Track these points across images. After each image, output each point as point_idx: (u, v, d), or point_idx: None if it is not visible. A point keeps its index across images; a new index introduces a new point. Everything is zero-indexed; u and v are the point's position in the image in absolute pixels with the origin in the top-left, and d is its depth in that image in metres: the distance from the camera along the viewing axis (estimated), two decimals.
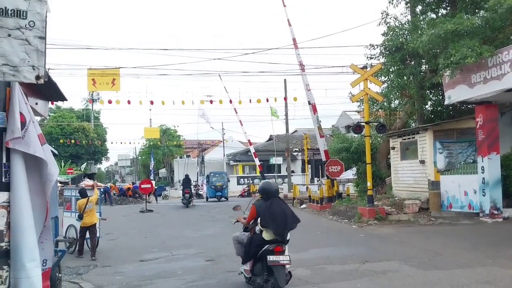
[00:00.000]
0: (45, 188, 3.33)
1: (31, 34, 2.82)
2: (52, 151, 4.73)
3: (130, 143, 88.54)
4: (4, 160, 3.14)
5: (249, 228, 6.93)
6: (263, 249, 6.31)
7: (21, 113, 3.13)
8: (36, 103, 5.84)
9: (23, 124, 3.15)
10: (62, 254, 6.38)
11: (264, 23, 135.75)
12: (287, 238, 6.47)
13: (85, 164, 56.81)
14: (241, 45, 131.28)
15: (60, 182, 25.38)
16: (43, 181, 3.33)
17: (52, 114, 53.80)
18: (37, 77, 2.85)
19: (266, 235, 6.35)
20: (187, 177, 27.58)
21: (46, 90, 5.97)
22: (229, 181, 35.45)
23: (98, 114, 62.24)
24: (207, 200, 32.88)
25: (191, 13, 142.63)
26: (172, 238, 13.57)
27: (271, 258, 6.17)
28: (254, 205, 6.82)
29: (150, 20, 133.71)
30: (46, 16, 2.85)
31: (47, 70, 3.31)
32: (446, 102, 15.33)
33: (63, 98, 6.71)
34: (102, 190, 36.76)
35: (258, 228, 6.56)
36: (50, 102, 8.34)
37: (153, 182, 35.80)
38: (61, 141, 47.41)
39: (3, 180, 3.13)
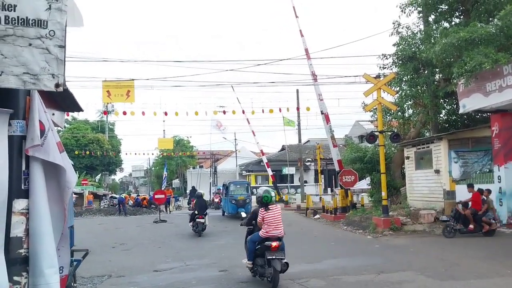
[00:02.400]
0: (64, 196, 3.38)
1: (51, 43, 2.89)
2: None
3: (144, 154, 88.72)
4: (23, 168, 3.19)
5: (193, 210, 17.28)
6: (195, 216, 16.48)
7: (40, 121, 3.19)
8: (53, 114, 5.94)
9: (42, 132, 3.20)
10: (77, 263, 6.39)
11: (263, 24, 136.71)
12: (205, 213, 16.44)
13: (99, 175, 57.36)
14: (240, 45, 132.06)
15: (75, 193, 25.70)
16: (61, 189, 3.37)
17: (68, 125, 54.61)
18: (57, 85, 2.91)
19: (197, 212, 16.45)
20: (193, 188, 36.11)
21: (63, 101, 6.07)
22: (253, 194, 23.64)
23: (112, 126, 62.96)
24: (223, 214, 26.17)
25: (190, 13, 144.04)
26: (185, 248, 13.59)
27: (197, 219, 16.37)
28: (194, 200, 18.23)
29: (149, 20, 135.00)
30: (65, 26, 2.92)
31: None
32: (460, 111, 15.22)
33: (79, 109, 6.82)
34: (116, 200, 37.25)
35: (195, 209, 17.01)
36: (66, 113, 8.48)
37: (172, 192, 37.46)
38: (76, 152, 48.00)
39: (23, 187, 3.17)
